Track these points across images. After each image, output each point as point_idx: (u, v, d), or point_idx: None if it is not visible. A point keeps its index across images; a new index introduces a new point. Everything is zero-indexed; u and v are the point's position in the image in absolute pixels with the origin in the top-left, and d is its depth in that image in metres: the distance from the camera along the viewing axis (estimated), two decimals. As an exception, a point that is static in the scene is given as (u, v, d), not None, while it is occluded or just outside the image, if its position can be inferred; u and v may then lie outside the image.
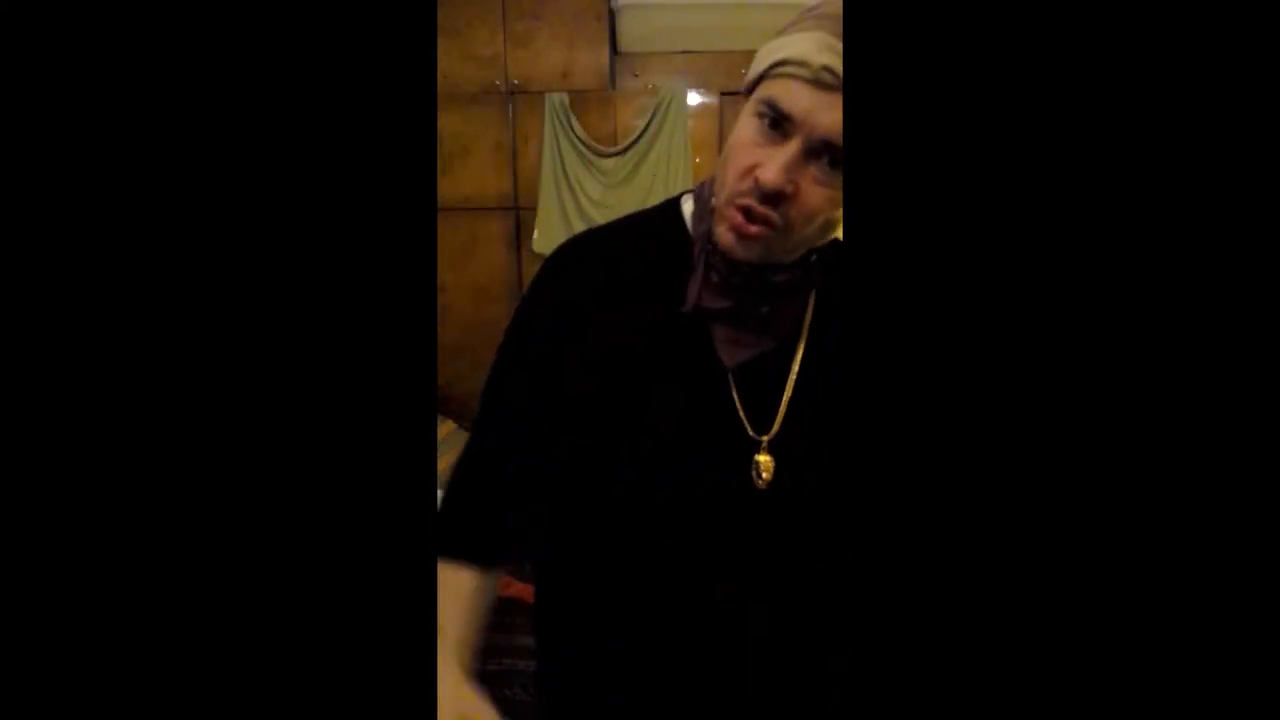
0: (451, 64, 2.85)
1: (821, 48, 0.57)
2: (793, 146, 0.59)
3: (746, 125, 0.62)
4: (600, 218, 2.79)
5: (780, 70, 0.59)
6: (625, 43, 2.91)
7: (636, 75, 2.88)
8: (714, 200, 0.65)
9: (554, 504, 0.70)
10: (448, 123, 2.86)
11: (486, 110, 2.86)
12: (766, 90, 0.60)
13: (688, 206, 0.73)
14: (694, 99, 2.84)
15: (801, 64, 0.58)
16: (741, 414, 0.67)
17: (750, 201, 0.61)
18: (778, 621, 0.66)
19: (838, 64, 0.57)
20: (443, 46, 2.81)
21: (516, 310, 0.74)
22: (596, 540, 0.69)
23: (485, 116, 2.87)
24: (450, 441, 2.69)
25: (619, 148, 2.75)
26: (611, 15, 2.87)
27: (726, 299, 0.66)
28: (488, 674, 1.91)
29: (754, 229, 0.61)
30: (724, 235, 0.63)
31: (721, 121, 2.84)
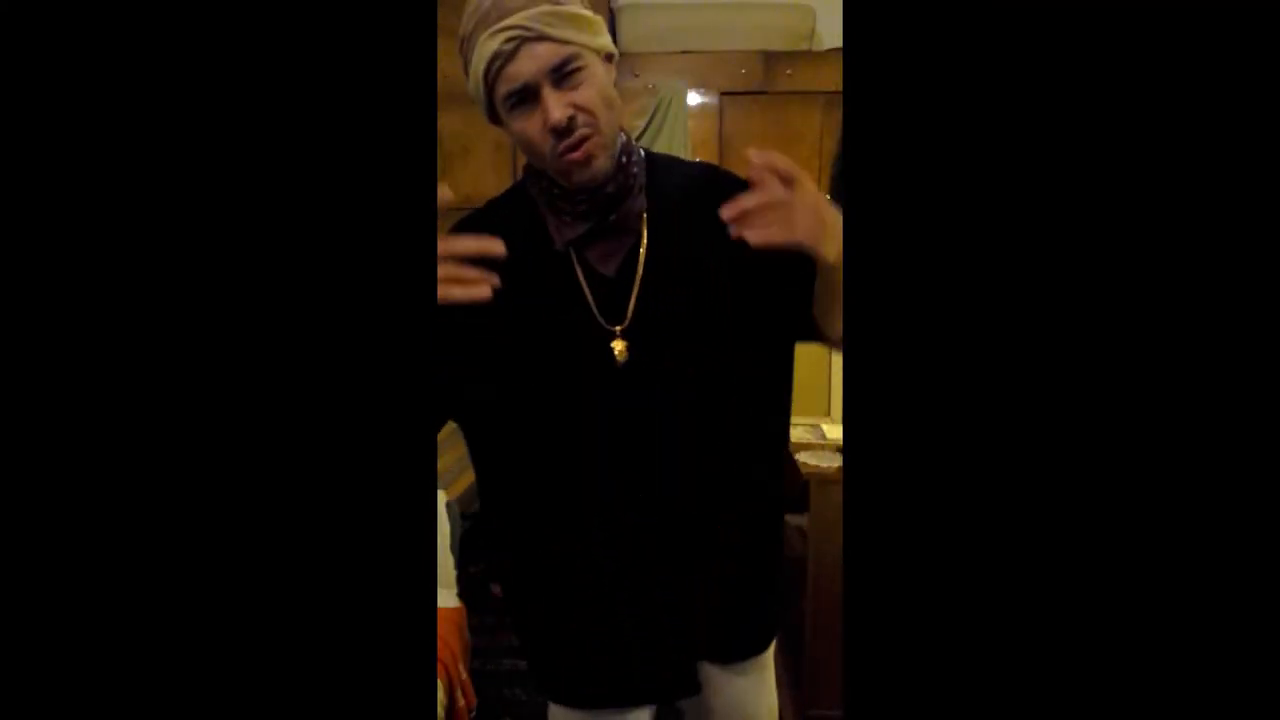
0: (452, 64, 2.85)
1: (490, 38, 0.75)
2: (546, 92, 0.76)
3: (517, 122, 0.79)
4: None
5: (492, 74, 0.77)
6: (625, 42, 2.91)
7: (636, 75, 2.88)
8: (541, 178, 0.83)
9: (480, 433, 0.89)
10: (447, 123, 2.85)
11: (486, 110, 2.87)
12: (500, 91, 0.77)
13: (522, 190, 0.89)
14: (694, 99, 2.84)
15: (496, 56, 0.75)
16: (596, 315, 0.83)
17: (564, 146, 0.77)
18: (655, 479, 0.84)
19: (507, 24, 0.74)
20: (443, 47, 2.80)
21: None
22: (512, 443, 0.86)
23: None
24: (451, 441, 2.68)
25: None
26: (611, 15, 2.87)
27: (582, 225, 0.83)
28: (486, 674, 1.91)
29: (583, 150, 0.77)
30: (576, 175, 0.79)
31: (721, 121, 2.83)
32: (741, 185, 0.80)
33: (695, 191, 0.88)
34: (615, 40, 2.89)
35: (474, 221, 0.90)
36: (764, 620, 0.96)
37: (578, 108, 0.77)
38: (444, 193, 0.72)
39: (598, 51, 0.79)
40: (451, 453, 2.59)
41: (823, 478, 1.71)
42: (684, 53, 2.86)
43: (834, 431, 2.01)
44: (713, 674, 0.93)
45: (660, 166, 0.90)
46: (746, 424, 0.88)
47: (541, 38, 0.75)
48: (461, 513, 2.04)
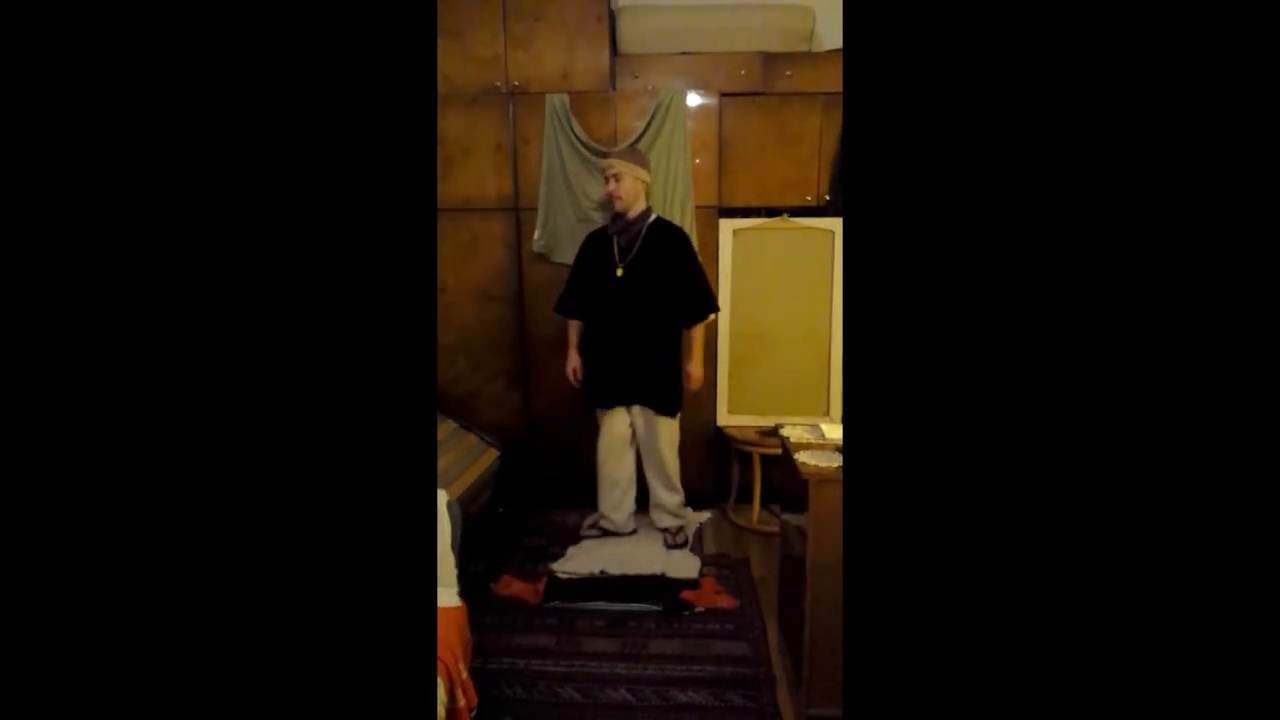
0: (452, 66, 2.85)
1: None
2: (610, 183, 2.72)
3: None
4: (600, 219, 2.80)
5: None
6: (625, 44, 2.91)
7: (636, 76, 2.89)
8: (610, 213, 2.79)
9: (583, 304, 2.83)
10: (449, 124, 2.86)
11: (487, 111, 2.87)
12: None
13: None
14: (694, 100, 2.85)
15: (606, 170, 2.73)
16: (617, 261, 2.70)
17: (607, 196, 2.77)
18: (640, 332, 2.75)
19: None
20: (443, 48, 2.82)
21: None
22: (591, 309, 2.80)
23: (486, 118, 2.88)
24: (451, 441, 2.69)
25: (619, 148, 2.76)
26: (612, 16, 2.88)
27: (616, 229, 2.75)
28: (487, 673, 1.91)
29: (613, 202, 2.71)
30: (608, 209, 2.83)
31: (721, 122, 2.84)
32: (679, 233, 2.77)
33: (664, 230, 2.70)
34: (615, 41, 2.91)
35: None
36: (671, 395, 2.80)
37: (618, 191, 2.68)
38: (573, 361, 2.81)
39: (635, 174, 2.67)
40: (452, 453, 2.60)
41: (822, 478, 1.72)
42: (684, 54, 2.87)
43: (833, 431, 2.02)
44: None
45: (660, 221, 2.74)
46: (663, 307, 2.68)
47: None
48: (463, 513, 2.04)
